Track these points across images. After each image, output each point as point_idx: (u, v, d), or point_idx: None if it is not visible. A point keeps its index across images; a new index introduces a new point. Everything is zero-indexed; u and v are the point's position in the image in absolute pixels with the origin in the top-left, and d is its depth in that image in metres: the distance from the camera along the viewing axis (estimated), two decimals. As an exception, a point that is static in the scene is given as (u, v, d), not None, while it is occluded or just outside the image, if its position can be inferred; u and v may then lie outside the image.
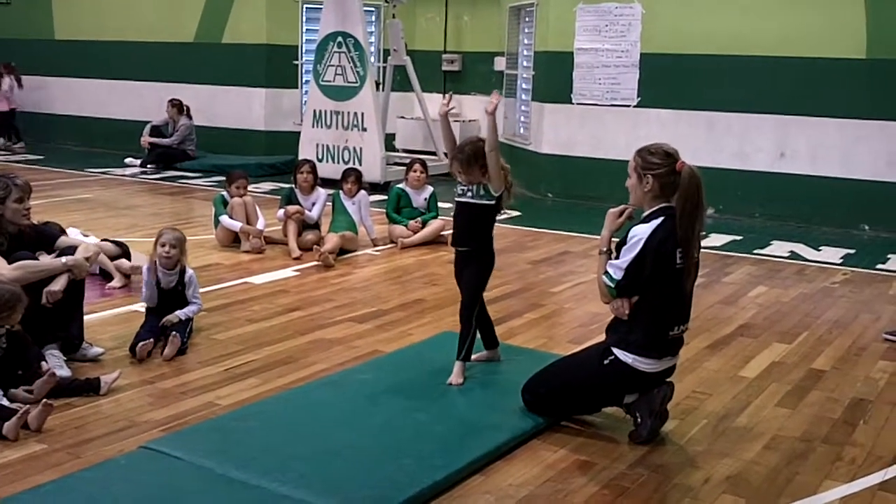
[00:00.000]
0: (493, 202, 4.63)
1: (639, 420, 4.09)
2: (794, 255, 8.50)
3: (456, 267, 4.82)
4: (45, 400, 4.07)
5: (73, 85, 16.05)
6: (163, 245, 5.30)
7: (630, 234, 4.00)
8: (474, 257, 4.70)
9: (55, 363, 4.57)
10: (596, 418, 4.30)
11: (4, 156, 14.57)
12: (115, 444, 3.91)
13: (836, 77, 9.84)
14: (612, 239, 4.15)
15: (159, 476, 3.58)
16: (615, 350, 4.07)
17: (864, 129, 9.79)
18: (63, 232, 5.49)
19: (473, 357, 4.81)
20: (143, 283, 5.43)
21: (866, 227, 9.83)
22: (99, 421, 4.17)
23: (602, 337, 4.27)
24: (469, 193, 4.66)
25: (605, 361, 4.09)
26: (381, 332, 5.68)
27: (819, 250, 8.75)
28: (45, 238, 4.98)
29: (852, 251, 8.76)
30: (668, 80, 10.73)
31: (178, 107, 13.51)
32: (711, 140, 10.50)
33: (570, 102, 11.41)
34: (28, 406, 4.02)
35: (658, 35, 10.73)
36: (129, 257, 6.77)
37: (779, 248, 8.79)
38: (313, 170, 8.20)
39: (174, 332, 5.09)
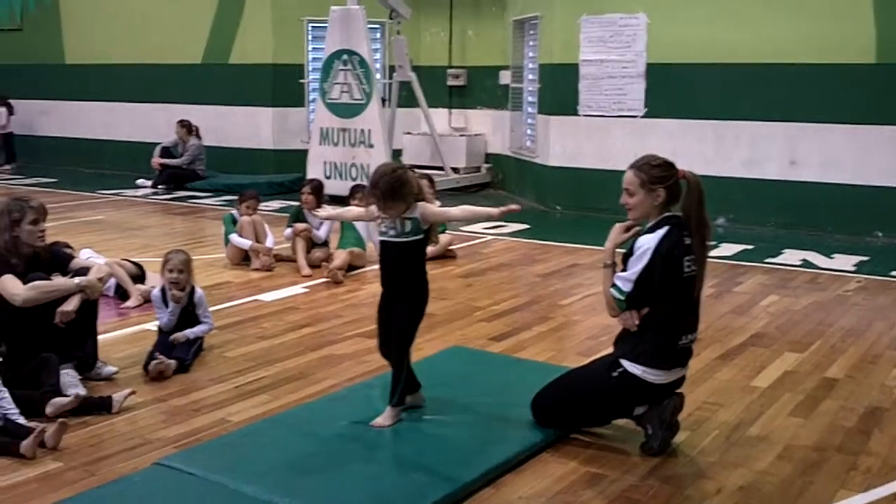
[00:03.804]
0: (421, 236, 4.17)
1: (649, 431, 4.09)
2: (806, 264, 8.48)
3: (382, 304, 4.31)
4: (60, 419, 4.11)
5: (83, 108, 16.18)
6: (170, 271, 5.33)
7: (637, 245, 4.01)
8: (404, 296, 4.23)
9: (70, 382, 4.62)
10: (606, 430, 4.30)
11: (15, 179, 14.69)
12: (129, 462, 3.94)
13: (845, 83, 9.82)
14: (617, 251, 4.16)
15: (173, 492, 3.61)
16: (623, 362, 4.07)
17: (876, 135, 9.75)
18: (70, 248, 5.55)
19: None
20: (155, 308, 5.47)
21: (880, 234, 9.78)
22: (113, 439, 4.20)
23: (611, 349, 4.27)
24: (392, 231, 4.15)
25: (614, 374, 4.09)
26: (391, 347, 5.69)
27: (832, 258, 8.72)
28: (60, 260, 5.02)
29: (866, 258, 8.72)
30: (676, 89, 10.74)
31: (187, 127, 13.60)
32: (720, 149, 10.51)
33: (577, 114, 11.44)
34: (44, 425, 4.06)
35: (664, 45, 10.75)
36: (144, 278, 6.84)
37: (791, 257, 8.76)
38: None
39: (170, 358, 5.09)
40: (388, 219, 4.16)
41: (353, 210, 5.11)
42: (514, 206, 4.33)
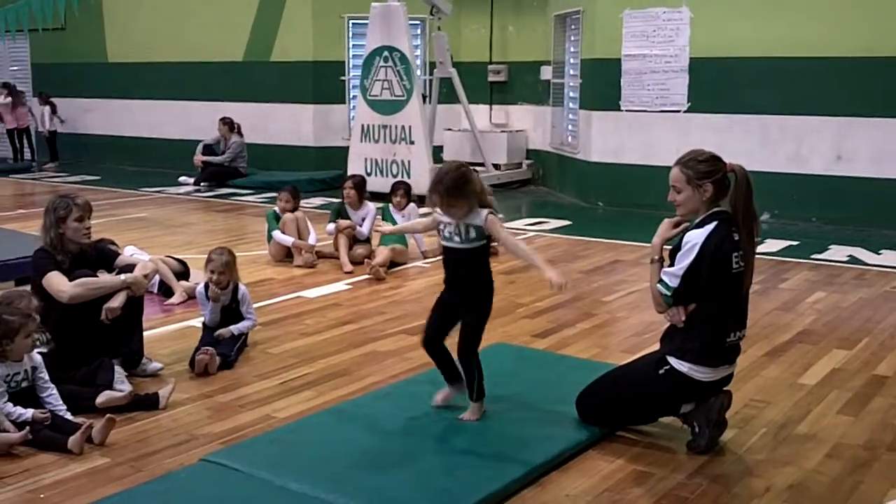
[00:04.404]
0: (485, 241, 4.12)
1: (696, 429, 4.04)
2: (853, 260, 8.35)
3: (443, 299, 4.28)
4: (108, 414, 4.15)
5: (126, 106, 16.38)
6: (212, 272, 5.36)
7: (684, 240, 3.96)
8: (470, 299, 4.19)
9: (117, 378, 4.65)
10: (652, 428, 4.26)
11: (60, 176, 14.89)
12: (175, 458, 3.97)
13: (892, 75, 9.65)
14: (664, 247, 4.11)
15: (219, 488, 3.64)
16: (670, 359, 4.03)
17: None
18: (114, 245, 5.61)
19: (438, 397, 4.41)
20: (200, 304, 5.52)
21: (928, 230, 9.62)
22: (160, 434, 4.24)
23: (656, 346, 4.24)
24: (457, 238, 4.10)
25: (661, 371, 4.05)
26: (434, 343, 5.68)
27: (879, 254, 8.57)
28: (106, 257, 5.06)
29: (914, 254, 8.58)
30: (719, 84, 10.63)
31: (229, 125, 13.70)
32: (765, 144, 10.38)
33: (619, 109, 11.36)
34: (91, 421, 4.10)
35: (707, 39, 10.64)
36: (188, 275, 6.90)
37: (837, 253, 8.64)
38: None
39: (216, 351, 5.12)
40: (452, 224, 4.09)
41: (420, 222, 4.87)
42: (564, 286, 4.04)
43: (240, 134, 13.74)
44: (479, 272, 4.18)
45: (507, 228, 4.32)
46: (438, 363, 4.35)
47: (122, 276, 4.84)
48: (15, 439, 3.96)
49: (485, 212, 4.07)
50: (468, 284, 4.18)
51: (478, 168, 11.96)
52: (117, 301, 4.75)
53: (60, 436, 4.01)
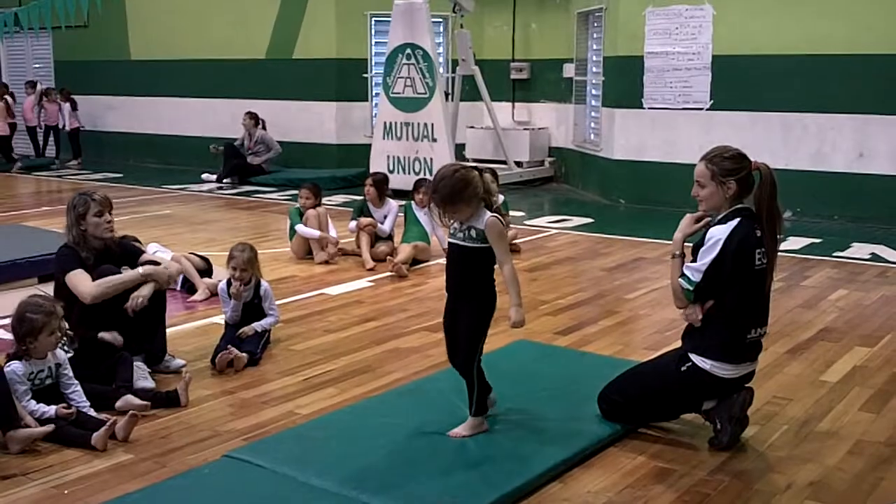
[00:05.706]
0: (488, 245, 3.90)
1: (718, 426, 4.04)
2: (875, 257, 8.31)
3: (446, 312, 4.09)
4: (131, 411, 4.19)
5: (149, 103, 16.46)
6: (234, 268, 5.39)
7: (707, 236, 3.96)
8: (469, 300, 3.98)
9: (140, 374, 4.70)
10: (674, 425, 4.26)
11: (83, 174, 15.00)
12: (199, 454, 4.00)
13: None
14: (686, 243, 4.11)
15: (242, 484, 3.65)
16: (692, 356, 4.03)
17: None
18: (138, 241, 5.66)
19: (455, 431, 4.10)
20: (221, 301, 5.55)
21: (951, 227, 9.55)
22: (183, 431, 4.27)
23: (678, 343, 4.23)
24: (460, 235, 3.92)
25: (683, 368, 4.05)
26: (455, 340, 5.70)
27: (901, 251, 8.54)
28: (130, 254, 5.09)
29: (937, 252, 8.52)
30: (742, 81, 10.59)
31: (255, 119, 13.76)
32: (787, 142, 10.34)
33: (641, 107, 11.33)
34: (115, 417, 4.14)
35: (730, 36, 10.61)
36: (211, 272, 6.94)
37: (859, 250, 8.59)
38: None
39: (241, 352, 5.12)
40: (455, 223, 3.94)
41: None
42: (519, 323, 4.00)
43: (264, 128, 13.82)
44: (479, 275, 3.95)
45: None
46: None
47: (140, 269, 4.88)
48: (38, 433, 3.99)
49: (488, 214, 3.89)
50: (465, 286, 3.99)
51: (500, 166, 12.03)
52: (145, 290, 4.80)
53: (84, 432, 4.04)
